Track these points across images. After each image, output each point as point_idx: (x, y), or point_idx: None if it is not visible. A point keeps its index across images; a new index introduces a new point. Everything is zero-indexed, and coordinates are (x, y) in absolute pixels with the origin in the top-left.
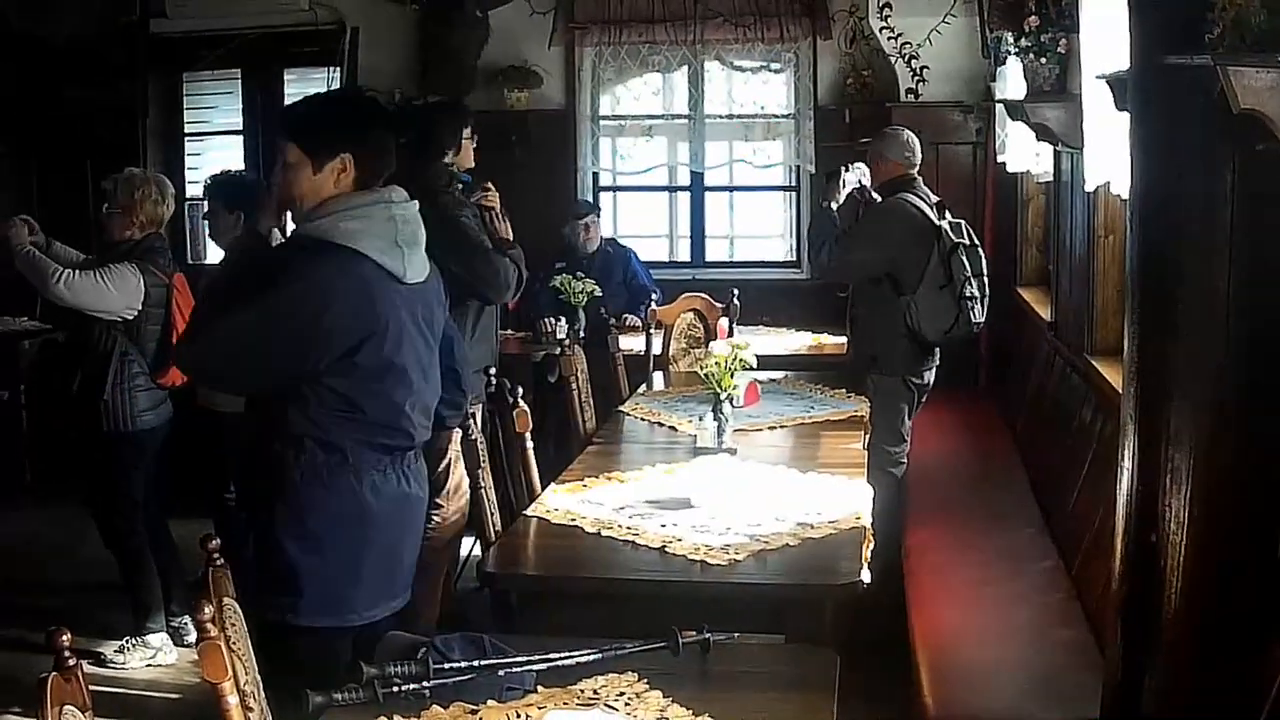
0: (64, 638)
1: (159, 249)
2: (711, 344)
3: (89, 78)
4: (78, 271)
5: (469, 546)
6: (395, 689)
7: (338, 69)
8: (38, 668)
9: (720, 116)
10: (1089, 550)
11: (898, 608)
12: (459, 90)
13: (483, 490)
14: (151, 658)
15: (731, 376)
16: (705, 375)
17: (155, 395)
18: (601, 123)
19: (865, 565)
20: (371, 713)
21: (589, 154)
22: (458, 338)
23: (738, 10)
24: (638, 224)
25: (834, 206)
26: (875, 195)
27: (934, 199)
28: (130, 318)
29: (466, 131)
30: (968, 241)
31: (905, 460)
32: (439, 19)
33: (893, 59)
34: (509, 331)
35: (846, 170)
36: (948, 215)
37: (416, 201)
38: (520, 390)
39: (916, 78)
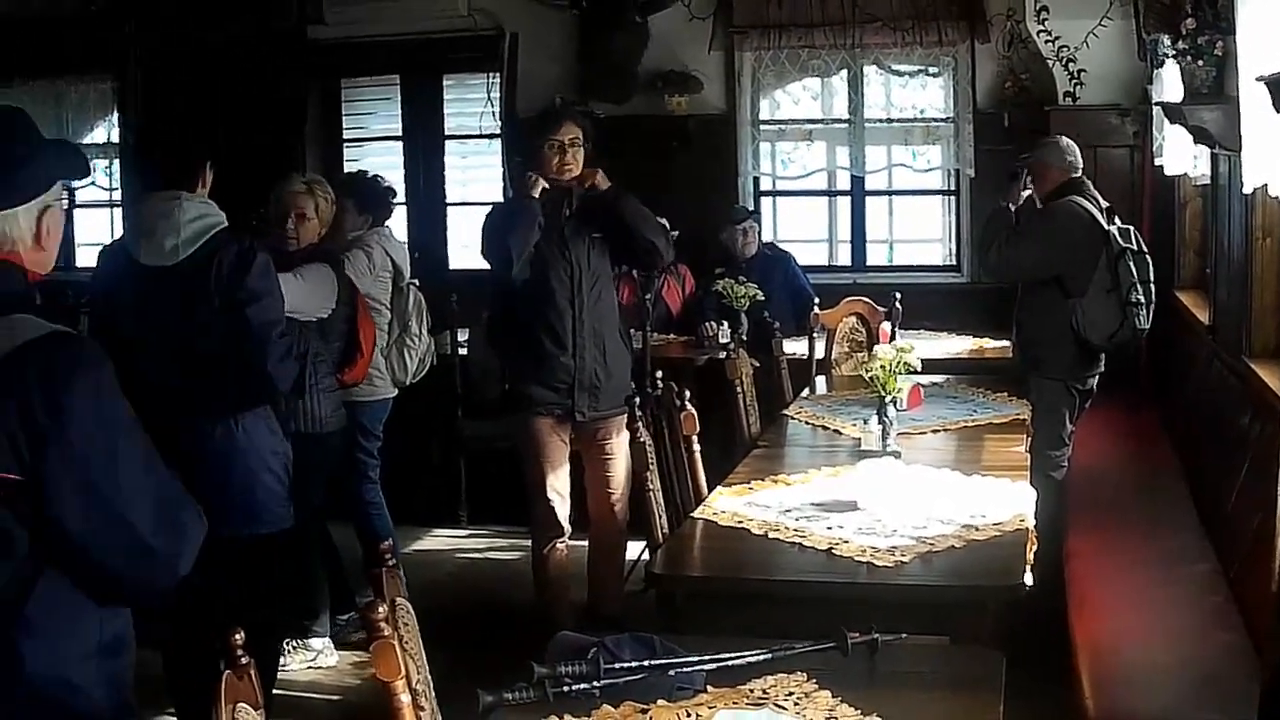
0: (237, 637)
1: (335, 250)
2: (876, 347)
3: (248, 85)
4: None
5: (637, 549)
6: (566, 689)
7: (497, 75)
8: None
9: (879, 121)
10: (1247, 553)
11: (1059, 610)
12: (619, 96)
13: (650, 493)
14: (312, 660)
15: (896, 380)
16: (870, 378)
17: (337, 398)
18: (761, 127)
19: (1028, 568)
20: (542, 712)
21: (749, 158)
22: (259, 333)
23: (896, 14)
24: (797, 229)
25: (1012, 207)
26: (1038, 204)
27: (1104, 203)
28: (325, 317)
29: (554, 142)
30: (1135, 247)
31: (1066, 464)
32: (599, 24)
33: (1050, 62)
34: (671, 336)
35: (1028, 173)
36: (1116, 220)
37: (177, 199)
38: (687, 393)
39: (1074, 81)
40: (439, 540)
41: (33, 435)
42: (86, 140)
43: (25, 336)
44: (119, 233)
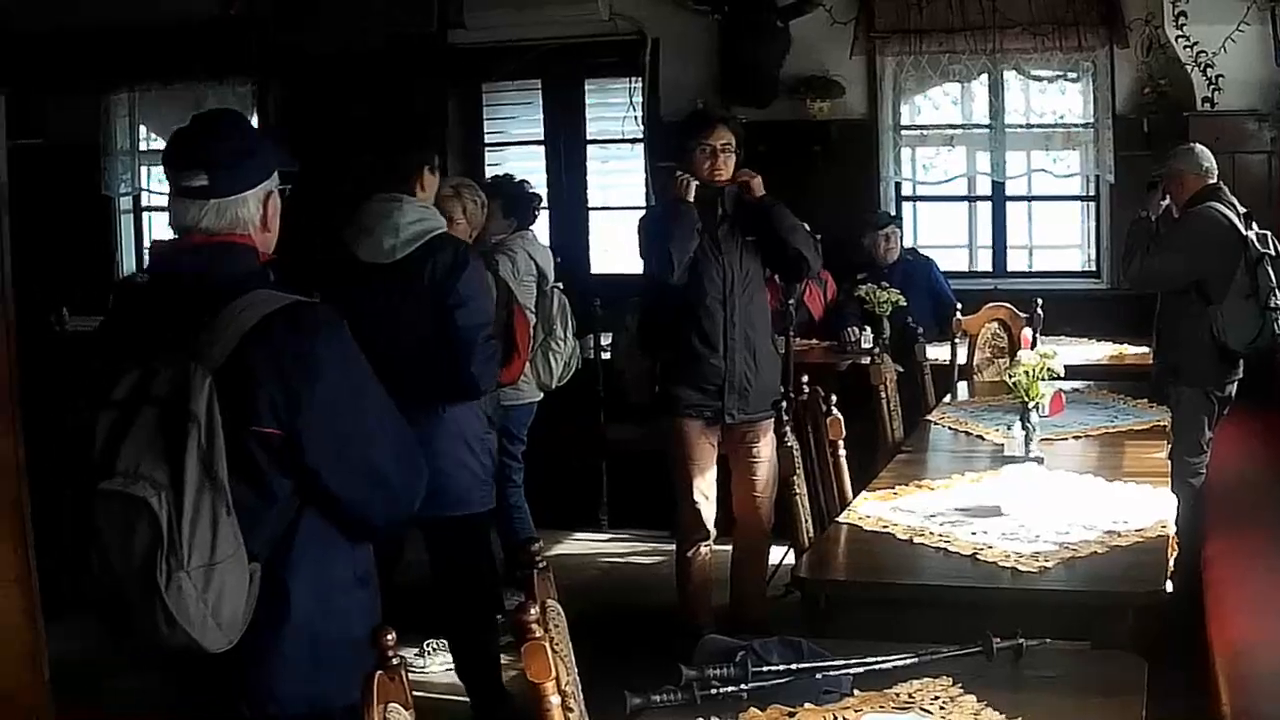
0: (389, 637)
1: (488, 254)
2: (1019, 353)
3: (388, 89)
4: None
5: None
6: (713, 691)
7: (639, 80)
8: None
9: (1019, 126)
10: None
11: (1198, 615)
12: (760, 101)
13: (796, 497)
14: (452, 662)
15: (1038, 386)
16: (1013, 384)
17: (497, 397)
18: (903, 132)
19: (1169, 574)
20: (689, 714)
21: (891, 164)
22: (466, 336)
23: (1035, 19)
24: (937, 234)
25: (1152, 216)
26: (1175, 214)
27: (1241, 209)
28: None
29: (705, 147)
30: (1274, 252)
31: (1204, 471)
32: (740, 29)
33: (1188, 68)
34: (814, 341)
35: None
36: (1255, 225)
37: (398, 202)
38: (833, 398)
39: (1212, 86)
40: (580, 544)
41: (288, 394)
42: None
43: (271, 307)
44: None
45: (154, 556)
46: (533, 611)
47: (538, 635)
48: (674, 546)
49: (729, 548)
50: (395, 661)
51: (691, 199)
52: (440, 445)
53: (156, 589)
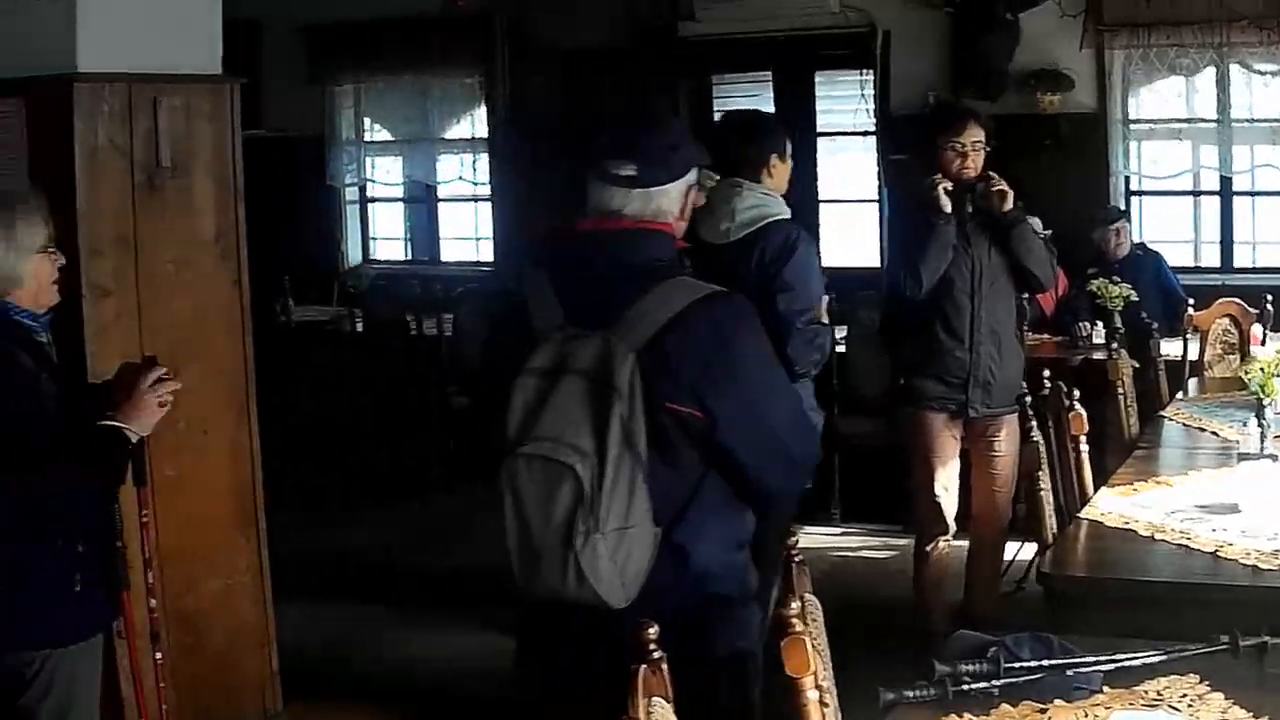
0: (650, 631)
1: None
2: (1254, 350)
3: (618, 84)
4: None
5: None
6: (965, 687)
7: (870, 72)
8: None
9: (1245, 121)
10: None
11: None
12: (991, 94)
13: (1041, 493)
14: None
15: (1274, 382)
16: (1249, 381)
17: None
18: (1131, 126)
19: None
20: (941, 710)
21: (1120, 157)
22: (785, 319)
23: (1262, 13)
24: (1161, 229)
25: None
26: None
27: None
28: None
29: (956, 145)
30: None
31: None
32: (970, 22)
33: None
34: (1045, 336)
35: None
36: None
37: (739, 186)
38: (1077, 393)
39: None
40: (812, 538)
41: (708, 379)
42: (450, 135)
43: (693, 295)
44: (484, 227)
45: (573, 519)
46: (794, 605)
47: (799, 630)
48: (907, 541)
49: (964, 543)
50: (657, 655)
51: (949, 209)
52: None
53: (572, 548)
